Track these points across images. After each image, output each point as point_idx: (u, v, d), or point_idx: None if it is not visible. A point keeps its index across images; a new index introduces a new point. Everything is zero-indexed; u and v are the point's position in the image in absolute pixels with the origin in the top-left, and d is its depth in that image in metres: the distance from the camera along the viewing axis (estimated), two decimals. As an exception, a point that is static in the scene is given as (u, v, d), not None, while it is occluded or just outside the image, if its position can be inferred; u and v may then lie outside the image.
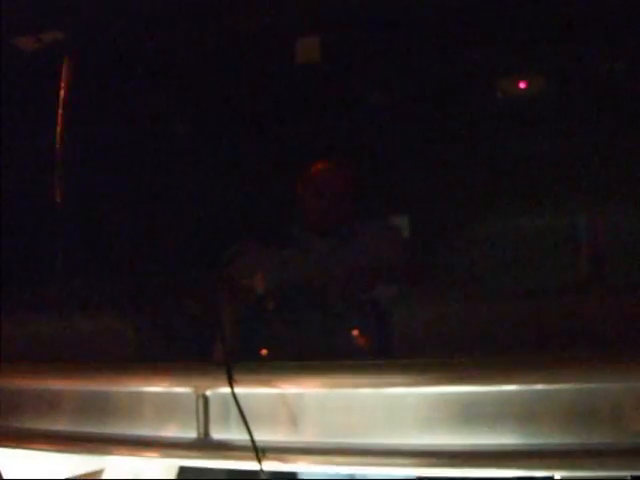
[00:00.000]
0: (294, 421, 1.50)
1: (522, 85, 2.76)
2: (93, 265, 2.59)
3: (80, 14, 2.70)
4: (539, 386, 1.35)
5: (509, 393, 1.37)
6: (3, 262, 2.39)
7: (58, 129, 2.72)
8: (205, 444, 1.58)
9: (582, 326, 1.47)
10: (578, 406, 1.32)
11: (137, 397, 1.67)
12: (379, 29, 2.60)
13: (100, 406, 1.71)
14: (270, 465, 1.50)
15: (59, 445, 1.76)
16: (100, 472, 2.02)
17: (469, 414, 1.38)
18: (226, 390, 1.53)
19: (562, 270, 2.14)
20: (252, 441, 1.48)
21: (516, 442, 1.34)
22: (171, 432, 1.62)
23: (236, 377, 1.52)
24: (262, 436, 1.50)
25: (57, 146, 2.72)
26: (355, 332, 1.86)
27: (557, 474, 1.34)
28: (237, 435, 1.52)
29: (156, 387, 1.66)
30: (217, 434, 1.57)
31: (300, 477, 2.27)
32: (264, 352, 1.82)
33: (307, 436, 1.49)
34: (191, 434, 1.59)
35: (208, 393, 1.58)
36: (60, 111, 2.72)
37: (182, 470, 2.08)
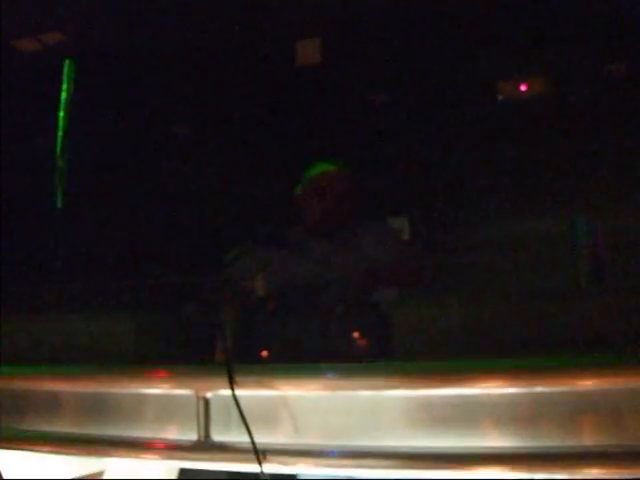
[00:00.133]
0: (295, 423, 1.50)
1: (523, 86, 2.76)
2: (94, 266, 2.60)
3: (80, 14, 2.70)
4: (539, 388, 1.35)
5: (510, 395, 1.36)
6: (3, 262, 2.40)
7: (58, 129, 2.72)
8: (206, 446, 1.58)
9: (582, 326, 1.47)
10: (579, 408, 1.32)
11: (137, 399, 1.67)
12: (379, 29, 2.60)
13: (100, 408, 1.71)
14: (271, 467, 1.50)
15: (59, 447, 1.76)
16: (100, 474, 2.02)
17: (470, 416, 1.38)
18: (227, 392, 1.53)
19: (562, 270, 2.14)
20: (253, 443, 1.48)
21: (517, 445, 1.34)
22: (171, 434, 1.62)
23: (237, 379, 1.52)
24: (263, 438, 1.50)
25: (57, 146, 2.72)
26: (356, 334, 1.86)
27: (557, 477, 1.34)
28: (238, 437, 1.52)
29: (157, 389, 1.66)
30: (218, 436, 1.57)
31: (301, 478, 2.27)
32: (265, 354, 1.83)
33: (308, 438, 1.49)
34: (192, 436, 1.59)
35: (209, 395, 1.58)
36: (61, 111, 2.72)
37: (182, 472, 2.08)
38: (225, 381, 1.52)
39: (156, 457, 1.66)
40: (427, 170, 2.73)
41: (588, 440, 1.31)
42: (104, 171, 2.85)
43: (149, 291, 2.22)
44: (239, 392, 1.52)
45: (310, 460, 1.50)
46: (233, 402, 1.51)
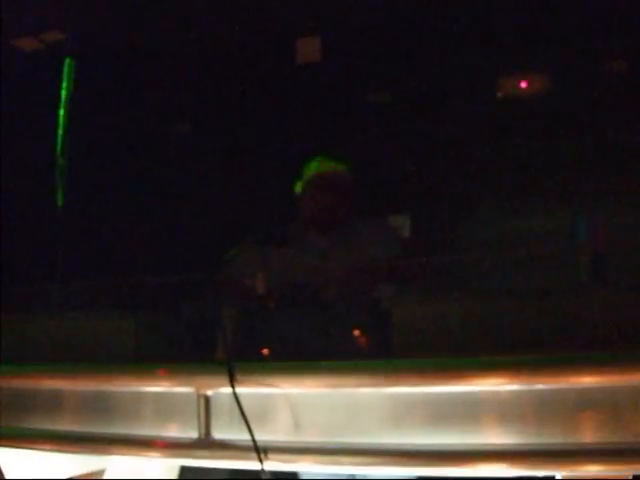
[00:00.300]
0: (295, 421, 1.50)
1: (523, 85, 2.76)
2: (94, 265, 2.60)
3: (79, 14, 2.70)
4: (540, 386, 1.35)
5: (510, 393, 1.37)
6: (3, 262, 2.40)
7: (58, 128, 2.72)
8: (206, 444, 1.58)
9: (582, 326, 1.47)
10: (579, 406, 1.32)
11: (138, 397, 1.67)
12: (379, 28, 2.60)
13: (101, 406, 1.71)
14: (271, 465, 1.50)
15: (60, 445, 1.76)
16: (101, 472, 2.02)
17: (471, 413, 1.38)
18: (227, 390, 1.53)
19: (562, 270, 2.14)
20: (253, 441, 1.49)
21: (517, 442, 1.34)
22: (172, 432, 1.62)
23: (237, 377, 1.52)
24: (263, 436, 1.50)
25: (57, 146, 2.72)
26: (356, 331, 1.86)
27: (558, 474, 1.34)
28: (238, 435, 1.52)
29: (157, 387, 1.66)
30: (218, 434, 1.57)
31: (301, 477, 2.27)
32: (265, 352, 1.83)
33: (309, 436, 1.49)
34: (192, 434, 1.59)
35: (209, 393, 1.58)
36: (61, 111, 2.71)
37: (183, 470, 2.08)
38: (226, 379, 1.52)
39: (157, 455, 1.66)
40: (427, 167, 2.73)
41: (589, 437, 1.31)
42: (104, 171, 2.85)
43: (150, 289, 2.22)
44: (240, 390, 1.52)
45: (311, 458, 1.50)
46: (234, 400, 1.51)
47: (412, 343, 1.57)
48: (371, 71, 2.81)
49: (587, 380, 1.33)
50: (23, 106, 2.72)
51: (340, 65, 2.85)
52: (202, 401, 1.58)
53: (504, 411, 1.36)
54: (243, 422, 1.50)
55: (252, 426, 1.49)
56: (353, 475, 2.18)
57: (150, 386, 1.67)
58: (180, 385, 1.63)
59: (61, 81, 2.71)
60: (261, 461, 1.48)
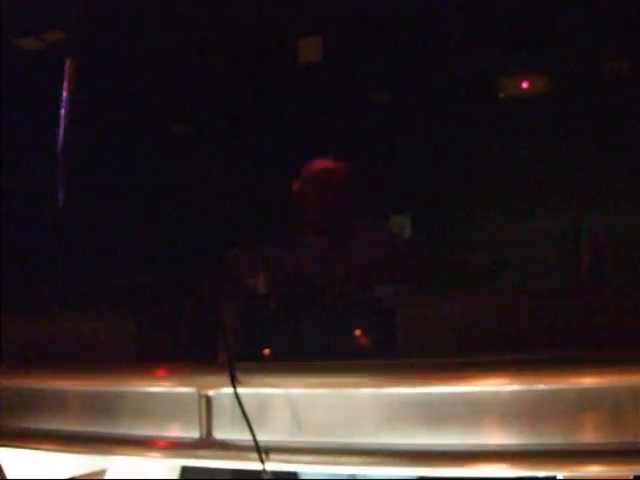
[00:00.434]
0: (297, 421, 1.50)
1: (524, 84, 2.76)
2: (94, 265, 2.60)
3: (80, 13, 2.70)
4: (541, 386, 1.35)
5: (511, 393, 1.37)
6: (3, 262, 2.40)
7: (58, 128, 2.72)
8: (208, 444, 1.58)
9: (582, 326, 1.47)
10: (580, 406, 1.32)
11: (140, 397, 1.68)
12: (379, 28, 2.60)
13: (103, 406, 1.72)
14: (273, 465, 1.50)
15: (62, 445, 1.77)
16: (103, 472, 2.02)
17: (471, 413, 1.38)
18: (229, 390, 1.53)
19: (562, 270, 2.14)
20: (255, 441, 1.49)
21: (519, 442, 1.34)
22: (174, 432, 1.63)
23: (239, 377, 1.53)
24: (265, 436, 1.50)
25: (57, 145, 2.72)
26: (357, 331, 1.86)
27: (559, 474, 1.35)
28: (240, 435, 1.53)
29: (159, 387, 1.67)
30: (220, 434, 1.58)
31: (302, 477, 2.28)
32: (266, 352, 1.83)
33: (310, 436, 1.50)
34: (194, 434, 1.59)
35: (211, 393, 1.58)
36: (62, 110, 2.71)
37: (185, 470, 2.09)
38: (227, 379, 1.52)
39: (158, 455, 1.67)
40: (427, 167, 2.73)
41: (589, 437, 1.31)
42: (103, 170, 2.85)
43: (150, 290, 2.22)
44: (241, 390, 1.52)
45: (312, 458, 1.51)
46: (235, 400, 1.52)
47: (412, 343, 1.57)
48: (371, 71, 2.81)
49: (587, 380, 1.34)
50: (23, 106, 2.72)
51: (340, 65, 2.85)
52: (203, 401, 1.58)
53: (504, 411, 1.36)
54: (244, 422, 1.50)
55: (253, 426, 1.50)
56: (353, 475, 2.18)
57: (152, 386, 1.67)
58: (182, 385, 1.63)
59: (61, 81, 2.71)
60: (262, 461, 1.48)
